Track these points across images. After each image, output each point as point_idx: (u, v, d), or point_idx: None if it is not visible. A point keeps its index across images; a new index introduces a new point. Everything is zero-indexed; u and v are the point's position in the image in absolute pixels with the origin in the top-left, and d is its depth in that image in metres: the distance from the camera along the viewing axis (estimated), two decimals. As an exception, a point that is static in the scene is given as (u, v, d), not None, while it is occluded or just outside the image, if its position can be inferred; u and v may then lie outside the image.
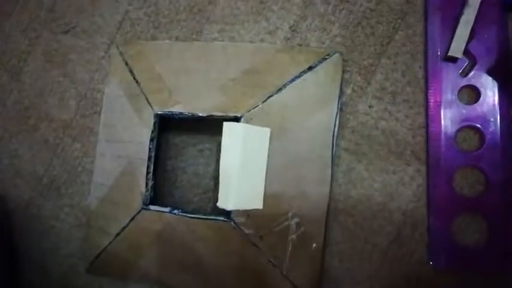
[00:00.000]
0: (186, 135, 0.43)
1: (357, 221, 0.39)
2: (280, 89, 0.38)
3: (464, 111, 0.38)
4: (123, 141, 0.40)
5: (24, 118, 0.46)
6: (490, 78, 0.37)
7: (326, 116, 0.37)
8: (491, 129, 0.37)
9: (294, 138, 0.37)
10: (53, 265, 0.44)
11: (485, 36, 0.38)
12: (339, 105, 0.38)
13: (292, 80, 0.38)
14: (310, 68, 0.38)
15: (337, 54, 0.38)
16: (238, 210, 0.36)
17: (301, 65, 0.38)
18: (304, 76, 0.38)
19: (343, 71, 0.39)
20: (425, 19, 0.39)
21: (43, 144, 0.46)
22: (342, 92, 0.38)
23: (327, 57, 0.38)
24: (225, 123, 0.36)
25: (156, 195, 0.40)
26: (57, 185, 0.45)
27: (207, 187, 0.42)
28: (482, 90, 0.37)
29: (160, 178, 0.42)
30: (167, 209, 0.37)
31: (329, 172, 0.37)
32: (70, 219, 0.44)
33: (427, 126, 0.38)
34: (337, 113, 0.37)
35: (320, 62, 0.38)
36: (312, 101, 0.38)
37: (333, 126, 0.37)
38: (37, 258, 0.45)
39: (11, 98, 0.47)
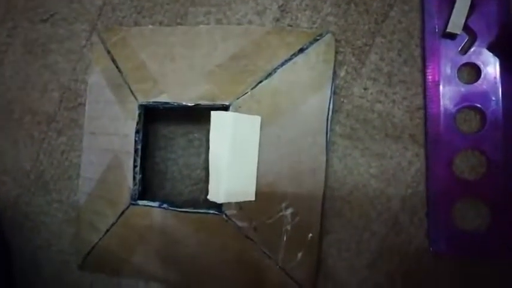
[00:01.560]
0: (174, 125, 0.41)
1: (353, 209, 0.37)
2: (270, 74, 0.36)
3: (464, 90, 0.36)
4: (108, 134, 0.38)
5: (8, 112, 0.45)
6: (491, 54, 0.35)
7: (319, 100, 0.36)
8: (492, 109, 0.35)
9: (286, 125, 0.36)
10: (45, 261, 0.43)
11: (486, 10, 0.36)
12: (333, 89, 0.36)
13: (283, 64, 0.36)
14: (301, 50, 0.36)
15: (329, 35, 0.36)
16: (230, 203, 0.34)
17: (292, 47, 0.36)
18: (295, 59, 0.36)
19: (336, 52, 0.37)
20: (422, -7, 0.37)
21: (28, 139, 0.44)
22: (335, 75, 0.37)
23: (318, 38, 0.36)
24: (212, 113, 0.34)
25: (146, 188, 0.39)
26: (44, 181, 0.43)
27: (198, 178, 0.40)
28: (482, 67, 0.35)
29: (150, 170, 0.40)
30: (156, 204, 0.36)
31: (324, 159, 0.35)
32: (60, 214, 0.43)
33: (425, 107, 0.36)
34: (330, 97, 0.36)
35: (311, 43, 0.36)
36: (304, 85, 0.36)
37: (326, 111, 0.36)
38: (29, 255, 0.44)
39: (-7, 92, 0.45)
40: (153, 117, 0.40)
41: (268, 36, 0.37)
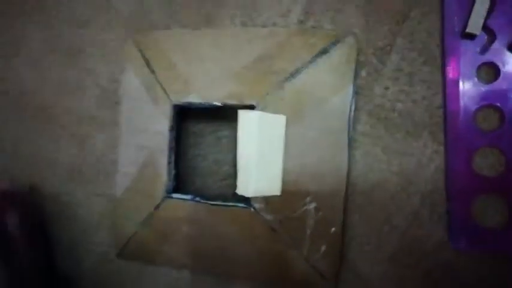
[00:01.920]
0: (203, 123, 0.43)
1: (375, 204, 0.39)
2: (293, 75, 0.37)
3: (483, 89, 0.37)
4: (143, 132, 0.41)
5: (49, 113, 0.48)
6: (510, 54, 0.36)
7: (341, 100, 0.37)
8: (511, 108, 0.36)
9: (310, 123, 0.37)
10: (83, 253, 0.47)
11: (505, 10, 0.36)
12: (355, 89, 0.37)
13: (306, 65, 0.37)
14: (323, 52, 0.38)
15: (351, 36, 0.38)
16: (257, 197, 0.37)
17: (315, 49, 0.38)
18: (318, 60, 0.37)
19: (358, 53, 0.38)
20: (442, -6, 0.38)
21: (69, 137, 0.47)
22: (357, 75, 0.38)
23: (340, 39, 0.38)
24: (240, 112, 0.36)
25: (179, 183, 0.41)
26: (84, 176, 0.47)
27: (226, 173, 0.43)
28: (501, 67, 0.36)
29: (181, 166, 0.43)
30: (189, 197, 0.39)
31: (346, 156, 0.37)
32: (98, 208, 0.46)
33: (444, 106, 0.37)
34: (352, 97, 0.37)
35: (334, 44, 0.38)
36: (327, 85, 0.37)
37: (348, 110, 0.37)
38: (68, 246, 0.47)
39: (36, 93, 0.48)
40: (184, 115, 0.42)
41: (292, 38, 0.38)
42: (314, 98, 0.37)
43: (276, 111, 0.37)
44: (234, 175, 0.41)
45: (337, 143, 0.37)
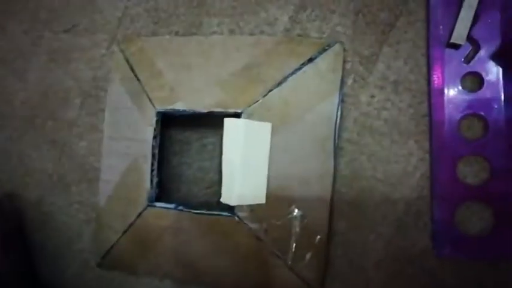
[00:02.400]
0: (189, 130, 0.43)
1: (360, 212, 0.39)
2: (280, 83, 0.37)
3: (467, 98, 0.37)
4: (127, 139, 0.40)
5: (31, 118, 0.47)
6: (494, 64, 0.37)
7: (328, 108, 0.37)
8: (495, 117, 0.36)
9: (296, 131, 0.37)
10: (66, 260, 0.46)
11: (489, 21, 0.37)
12: (341, 96, 0.37)
13: (293, 73, 0.38)
14: (310, 60, 0.38)
15: (337, 45, 0.38)
16: (241, 205, 0.36)
17: (301, 57, 0.38)
18: (305, 68, 0.38)
19: (344, 61, 0.39)
20: (427, 4, 0.38)
21: (50, 143, 0.46)
22: (343, 83, 0.38)
23: (327, 47, 0.38)
24: (225, 120, 0.36)
25: (163, 191, 0.41)
26: (66, 183, 0.46)
27: (212, 181, 0.42)
28: (485, 76, 0.37)
29: (166, 174, 0.42)
30: (172, 205, 0.38)
31: (332, 163, 0.37)
32: (80, 215, 0.45)
33: (430, 115, 0.38)
34: (338, 104, 0.37)
35: (320, 53, 0.38)
36: (313, 93, 0.37)
37: (334, 118, 0.37)
38: (51, 254, 0.46)
39: (18, 99, 0.47)
40: (169, 122, 0.42)
41: (279, 46, 0.38)
42: (300, 105, 0.37)
43: (261, 119, 0.37)
44: (219, 182, 0.41)
45: (323, 150, 0.37)
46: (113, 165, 0.41)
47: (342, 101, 0.38)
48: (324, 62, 0.38)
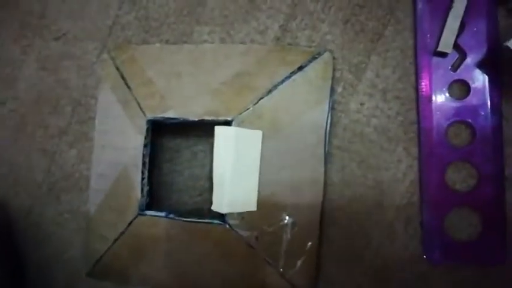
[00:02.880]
0: (180, 138, 0.43)
1: (351, 219, 0.39)
2: (270, 91, 0.38)
3: (454, 106, 0.38)
4: (117, 148, 0.40)
5: (21, 126, 0.47)
6: (480, 71, 0.37)
7: (318, 115, 0.38)
8: (482, 124, 0.37)
9: (287, 138, 0.37)
10: (56, 270, 0.45)
11: (475, 29, 0.38)
12: (331, 104, 0.38)
13: (283, 81, 0.38)
14: (300, 68, 0.38)
15: (327, 53, 0.38)
16: (232, 213, 0.36)
17: (292, 65, 0.38)
18: (295, 76, 0.38)
19: (334, 69, 0.39)
20: (414, 13, 0.39)
21: (40, 152, 0.46)
22: (333, 91, 0.39)
23: (317, 56, 0.38)
24: (216, 127, 0.36)
25: (153, 199, 0.40)
26: (56, 192, 0.45)
27: (203, 189, 0.42)
28: (472, 84, 0.37)
29: (157, 181, 0.42)
30: (163, 214, 0.38)
31: (322, 170, 0.37)
32: (71, 224, 0.45)
33: (418, 122, 0.38)
34: (328, 112, 0.38)
35: (310, 61, 0.38)
36: (303, 100, 0.38)
37: (325, 125, 0.37)
38: (41, 264, 0.46)
39: (7, 107, 0.47)
40: (160, 130, 0.42)
41: (269, 55, 0.39)
42: (291, 113, 0.38)
43: (252, 127, 0.37)
44: (210, 190, 0.41)
45: (314, 157, 0.37)
46: (103, 174, 0.41)
47: (332, 108, 0.38)
48: (313, 70, 0.38)
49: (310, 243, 0.37)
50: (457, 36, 0.37)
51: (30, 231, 0.46)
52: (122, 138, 0.40)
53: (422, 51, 0.38)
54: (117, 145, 0.40)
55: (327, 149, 0.38)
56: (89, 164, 0.44)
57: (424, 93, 0.38)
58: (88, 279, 0.43)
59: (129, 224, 0.39)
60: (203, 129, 0.41)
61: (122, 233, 0.39)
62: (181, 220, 0.37)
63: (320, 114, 0.38)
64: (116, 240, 0.40)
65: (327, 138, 0.37)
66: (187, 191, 0.43)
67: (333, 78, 0.38)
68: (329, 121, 0.38)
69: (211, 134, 0.37)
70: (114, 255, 0.40)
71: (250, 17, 0.42)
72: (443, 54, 0.38)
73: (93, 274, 0.42)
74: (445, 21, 0.37)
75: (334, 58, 0.39)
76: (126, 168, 0.39)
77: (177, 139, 0.43)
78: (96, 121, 0.43)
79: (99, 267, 0.41)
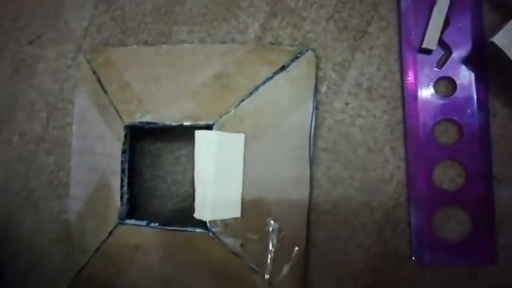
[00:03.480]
0: (161, 142, 0.42)
1: (338, 221, 0.38)
2: (252, 92, 0.37)
3: (440, 103, 0.37)
4: (96, 154, 0.39)
5: (-5, 133, 0.45)
6: (466, 68, 0.37)
7: (302, 116, 0.37)
8: (468, 121, 0.36)
9: (270, 141, 0.36)
10: (36, 281, 0.44)
11: (460, 25, 0.37)
12: (315, 104, 0.37)
13: (265, 82, 0.37)
14: (282, 68, 0.37)
15: (310, 52, 0.37)
16: (216, 220, 0.35)
17: (274, 65, 0.37)
18: (277, 77, 0.37)
19: (317, 69, 0.38)
20: (398, 9, 0.38)
21: (17, 158, 0.44)
22: (317, 90, 0.38)
23: (299, 55, 0.37)
24: (196, 132, 0.35)
25: (135, 206, 0.39)
26: (34, 200, 0.44)
27: (186, 194, 0.41)
28: (458, 81, 0.37)
29: (138, 187, 0.41)
30: (144, 223, 0.37)
31: (308, 173, 0.36)
32: (50, 234, 0.43)
33: (404, 121, 0.37)
34: (313, 112, 0.37)
35: (293, 60, 0.37)
36: (287, 101, 0.37)
37: (309, 126, 0.36)
38: (20, 275, 0.44)
39: (-19, 113, 0.46)
40: (140, 134, 0.40)
41: (250, 55, 0.38)
42: (274, 115, 0.37)
43: (234, 130, 0.36)
44: (193, 196, 0.40)
45: (299, 159, 0.36)
46: (82, 181, 0.40)
47: (316, 108, 0.37)
48: (296, 70, 0.37)
49: (296, 248, 0.36)
50: (442, 32, 0.36)
51: (9, 242, 0.44)
52: (99, 144, 0.39)
53: (407, 48, 0.37)
54: (96, 151, 0.39)
55: (312, 150, 0.37)
56: (67, 170, 0.42)
57: (409, 91, 0.37)
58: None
59: (110, 233, 0.37)
60: (185, 133, 0.40)
61: (103, 242, 0.38)
62: (163, 229, 0.36)
63: (304, 114, 0.37)
64: (97, 249, 0.38)
65: (312, 139, 0.36)
66: (170, 197, 0.41)
67: (317, 77, 0.37)
68: (313, 122, 0.37)
69: (193, 137, 0.36)
70: (96, 265, 0.39)
71: (230, 15, 0.40)
72: (428, 51, 0.37)
73: (75, 285, 0.40)
74: (429, 17, 0.36)
75: (317, 57, 0.38)
76: (105, 175, 0.38)
77: (158, 143, 0.42)
78: (74, 126, 0.41)
79: (80, 279, 0.40)
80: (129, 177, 0.38)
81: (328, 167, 0.38)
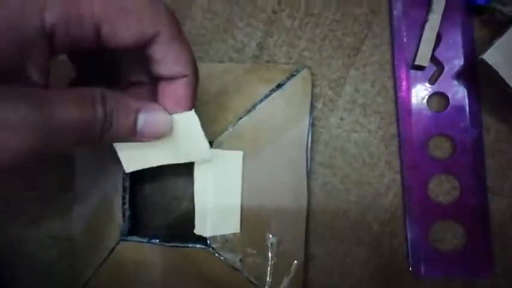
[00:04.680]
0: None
1: (336, 235, 0.39)
2: (250, 110, 0.37)
3: (434, 118, 0.38)
4: (99, 171, 0.40)
5: None
6: (458, 83, 0.37)
7: (298, 132, 0.37)
8: (462, 136, 0.37)
9: (268, 157, 0.37)
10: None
11: (451, 41, 0.38)
12: (311, 120, 0.38)
13: (262, 100, 0.38)
14: (279, 86, 0.38)
15: (305, 70, 0.38)
16: (215, 236, 0.36)
17: (270, 84, 0.38)
18: (274, 94, 0.38)
19: (313, 86, 0.39)
20: (391, 27, 0.39)
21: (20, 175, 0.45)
22: (312, 107, 0.38)
23: (295, 73, 0.38)
24: None
25: (137, 222, 0.40)
26: (37, 218, 0.44)
27: (187, 209, 0.42)
28: (450, 96, 0.37)
29: (139, 204, 0.42)
30: (145, 239, 0.37)
31: (305, 187, 0.37)
32: (54, 252, 0.44)
33: (399, 135, 0.38)
34: (309, 128, 0.37)
35: (289, 78, 0.38)
36: (283, 118, 0.38)
37: (305, 141, 0.37)
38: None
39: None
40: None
41: (247, 74, 0.39)
42: (271, 131, 0.37)
43: (232, 148, 0.36)
44: (194, 211, 0.41)
45: (296, 174, 0.37)
46: (85, 198, 0.41)
47: (312, 124, 0.38)
48: (292, 88, 0.38)
49: (295, 262, 0.37)
50: (434, 49, 0.37)
51: (13, 260, 0.45)
52: (102, 161, 0.40)
53: (400, 65, 0.38)
54: (98, 168, 0.40)
55: (309, 165, 0.37)
56: (71, 187, 0.43)
57: (403, 106, 0.38)
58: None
59: (112, 250, 0.38)
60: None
61: (106, 259, 0.39)
62: (164, 245, 0.37)
63: (301, 130, 0.37)
64: (100, 265, 0.39)
65: (309, 154, 0.37)
66: (171, 212, 0.42)
67: (312, 94, 0.38)
68: (310, 137, 0.37)
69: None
70: (99, 281, 0.39)
71: (227, 35, 0.41)
72: (420, 68, 0.38)
73: None
74: (421, 34, 0.38)
75: (312, 74, 0.39)
76: (107, 192, 0.39)
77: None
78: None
79: None
80: (130, 194, 0.39)
81: (325, 181, 0.39)
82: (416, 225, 0.37)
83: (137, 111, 0.27)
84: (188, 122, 0.32)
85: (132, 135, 0.28)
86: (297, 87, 0.38)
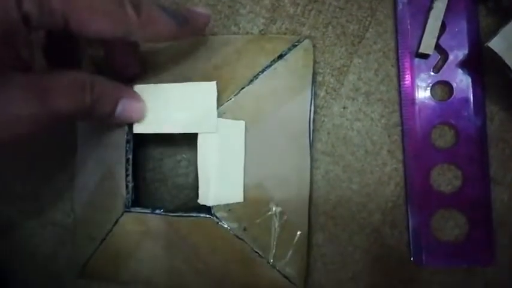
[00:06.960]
0: (163, 147, 0.42)
1: (337, 223, 0.39)
2: (251, 80, 0.37)
3: (437, 107, 0.37)
4: (101, 145, 0.39)
5: None
6: (462, 72, 0.37)
7: (300, 103, 0.37)
8: (465, 125, 0.37)
9: (270, 127, 0.37)
10: (42, 285, 0.44)
11: (456, 29, 0.37)
12: (313, 91, 0.37)
13: (263, 70, 0.37)
14: (280, 56, 0.37)
15: (307, 40, 0.38)
16: (219, 205, 0.36)
17: (272, 54, 0.38)
18: (275, 65, 0.37)
19: (316, 73, 0.39)
20: (395, 15, 0.39)
21: (19, 161, 0.45)
22: (315, 77, 0.38)
23: (296, 43, 0.38)
24: None
25: (140, 195, 0.40)
26: (37, 203, 0.44)
27: (187, 198, 0.42)
28: (454, 85, 0.37)
29: (140, 190, 0.41)
30: (149, 210, 0.37)
31: (308, 158, 0.37)
32: (54, 236, 0.44)
33: (402, 124, 0.38)
34: (311, 99, 0.37)
35: (290, 49, 0.38)
36: (285, 89, 0.37)
37: (308, 113, 0.37)
38: (24, 278, 0.45)
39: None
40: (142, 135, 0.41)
41: (249, 45, 0.39)
42: (273, 102, 0.37)
43: (235, 117, 0.36)
44: (194, 199, 0.40)
45: (299, 145, 0.37)
46: (87, 173, 0.40)
47: (314, 112, 0.38)
48: (294, 58, 0.38)
49: (299, 233, 0.36)
50: (438, 37, 0.37)
51: (12, 246, 0.45)
52: (104, 136, 0.39)
53: (404, 53, 0.38)
54: (101, 143, 0.39)
55: (311, 137, 0.37)
56: (71, 169, 0.42)
57: (406, 95, 0.38)
58: (76, 281, 0.42)
59: (115, 222, 0.38)
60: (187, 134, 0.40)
61: (109, 231, 0.38)
62: (168, 215, 0.37)
63: (303, 101, 0.37)
64: (103, 239, 0.39)
65: (311, 127, 0.37)
66: (171, 201, 0.42)
67: (314, 65, 0.38)
68: (312, 109, 0.37)
69: (195, 141, 0.36)
70: (102, 253, 0.39)
71: (230, 22, 0.41)
72: (425, 56, 0.37)
73: (83, 274, 0.41)
74: (425, 22, 0.37)
75: (315, 61, 0.39)
76: (110, 166, 0.39)
77: (160, 147, 0.42)
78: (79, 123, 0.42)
79: (88, 267, 0.40)
80: (132, 175, 0.38)
81: (327, 170, 0.39)
82: (418, 214, 0.37)
83: (117, 100, 0.33)
84: (207, 93, 0.35)
85: (109, 118, 0.33)
86: (299, 58, 0.38)
